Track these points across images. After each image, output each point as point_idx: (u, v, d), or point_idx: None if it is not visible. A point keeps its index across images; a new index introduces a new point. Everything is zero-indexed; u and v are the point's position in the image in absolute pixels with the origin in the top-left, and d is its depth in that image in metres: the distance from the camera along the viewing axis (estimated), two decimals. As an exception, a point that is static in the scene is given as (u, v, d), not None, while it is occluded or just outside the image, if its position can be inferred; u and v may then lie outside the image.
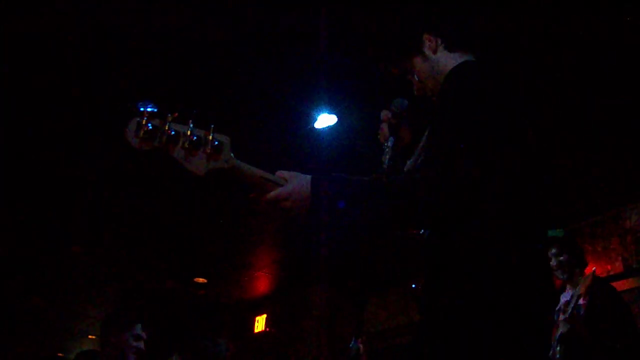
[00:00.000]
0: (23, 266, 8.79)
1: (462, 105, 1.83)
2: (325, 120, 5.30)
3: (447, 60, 2.14)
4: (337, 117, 5.26)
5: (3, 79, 4.90)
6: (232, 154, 1.84)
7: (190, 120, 1.79)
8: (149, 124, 1.72)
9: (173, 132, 1.76)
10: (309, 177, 1.86)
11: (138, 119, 1.72)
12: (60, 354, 12.63)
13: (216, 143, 1.80)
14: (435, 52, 2.17)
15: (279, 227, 7.53)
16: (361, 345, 5.54)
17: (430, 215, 1.78)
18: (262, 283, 9.70)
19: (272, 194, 1.85)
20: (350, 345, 5.56)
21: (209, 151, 1.78)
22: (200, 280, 9.52)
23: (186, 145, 1.76)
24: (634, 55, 4.36)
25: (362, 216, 1.83)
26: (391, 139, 2.43)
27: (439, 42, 2.18)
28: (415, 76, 2.21)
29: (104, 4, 4.23)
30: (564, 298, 4.29)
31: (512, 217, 1.77)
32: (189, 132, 1.77)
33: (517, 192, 1.81)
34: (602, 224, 6.70)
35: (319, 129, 5.40)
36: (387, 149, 2.43)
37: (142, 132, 1.71)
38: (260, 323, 10.17)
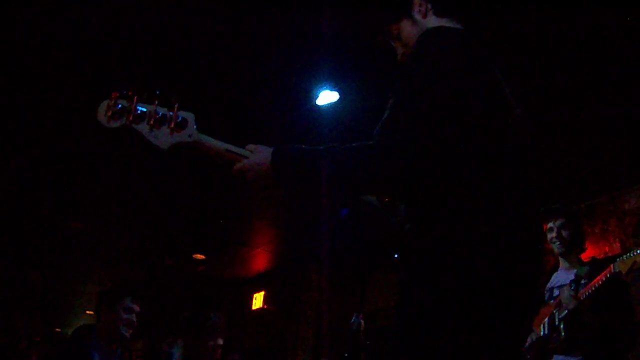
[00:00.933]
0: (22, 241, 8.82)
1: (413, 71, 1.81)
2: (327, 97, 5.29)
3: (436, 25, 2.07)
4: (339, 94, 5.25)
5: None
6: (196, 129, 1.98)
7: (155, 100, 1.95)
8: (118, 105, 1.91)
9: (139, 111, 1.92)
10: (271, 149, 1.90)
11: (108, 101, 1.92)
12: (58, 329, 12.69)
13: (179, 119, 1.95)
14: (424, 16, 2.13)
15: (270, 202, 7.55)
16: (362, 321, 5.59)
17: (375, 181, 1.79)
18: (260, 260, 9.73)
19: (237, 165, 1.93)
20: (352, 321, 5.61)
21: (172, 126, 1.94)
22: (199, 256, 9.55)
23: (151, 122, 1.92)
24: (632, 38, 4.35)
25: (319, 183, 1.84)
26: None
27: (429, 6, 2.14)
28: (402, 40, 2.16)
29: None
30: (558, 277, 4.26)
31: (463, 193, 1.72)
32: (153, 110, 1.93)
33: (466, 165, 1.74)
34: (601, 205, 6.73)
35: (320, 106, 5.39)
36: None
37: (110, 112, 1.90)
38: (258, 300, 10.20)
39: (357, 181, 1.81)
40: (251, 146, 1.96)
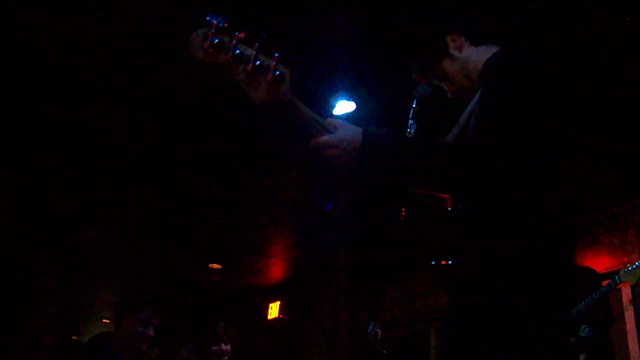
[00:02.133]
0: (38, 248, 8.85)
1: (507, 87, 1.82)
2: (343, 107, 5.29)
3: (477, 55, 2.13)
4: (356, 104, 5.25)
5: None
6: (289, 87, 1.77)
7: (256, 44, 1.70)
8: (216, 38, 1.63)
9: (238, 52, 1.66)
10: (359, 128, 1.82)
11: (205, 31, 1.64)
12: (74, 337, 12.72)
13: (277, 73, 1.71)
14: (461, 50, 2.17)
15: (293, 216, 7.56)
16: (379, 330, 5.57)
17: (464, 182, 1.80)
18: (276, 270, 9.71)
19: (322, 139, 1.81)
20: (369, 330, 5.59)
21: (269, 79, 1.70)
22: (215, 266, 9.55)
23: (249, 68, 1.67)
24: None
25: (405, 172, 1.84)
26: (413, 125, 2.42)
27: (463, 40, 2.18)
28: (449, 79, 2.20)
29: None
30: None
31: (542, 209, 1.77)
32: (253, 56, 1.68)
33: (549, 182, 1.80)
34: (619, 216, 6.66)
35: (337, 116, 5.38)
36: (409, 135, 2.42)
37: (208, 45, 1.62)
38: (273, 310, 10.18)
39: (446, 178, 1.82)
40: (332, 121, 1.85)
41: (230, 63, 1.65)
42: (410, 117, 2.38)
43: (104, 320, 12.74)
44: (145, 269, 9.69)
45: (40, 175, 6.74)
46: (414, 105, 2.37)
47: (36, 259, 9.19)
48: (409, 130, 2.41)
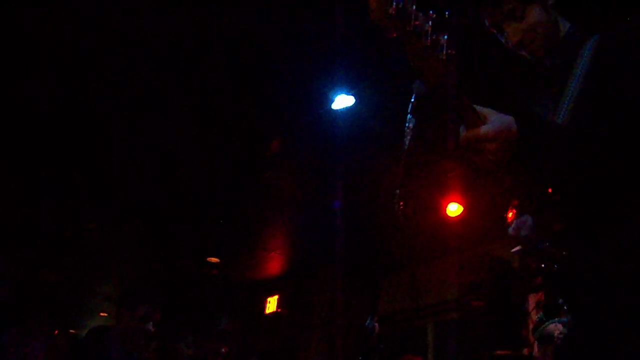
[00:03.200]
0: (37, 240, 8.85)
1: None
2: (342, 101, 5.29)
3: (563, 22, 1.99)
4: (355, 98, 5.25)
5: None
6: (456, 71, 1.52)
7: (433, 15, 1.46)
8: (400, 2, 1.40)
9: (418, 22, 1.44)
10: (510, 116, 1.63)
11: None
12: (72, 331, 12.72)
13: (449, 52, 1.49)
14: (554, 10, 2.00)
15: (293, 211, 7.55)
16: (376, 324, 5.58)
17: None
18: (274, 264, 9.72)
19: (479, 131, 1.60)
20: (366, 324, 5.60)
21: (444, 58, 1.48)
22: (213, 259, 9.56)
23: (427, 43, 1.45)
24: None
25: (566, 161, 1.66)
26: (412, 120, 2.40)
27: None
28: (524, 24, 1.96)
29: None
30: None
31: None
32: (430, 29, 1.46)
33: None
34: None
35: (336, 110, 5.39)
36: (407, 130, 2.41)
37: (393, 8, 1.39)
38: (271, 304, 10.20)
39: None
40: (479, 109, 1.63)
41: (410, 34, 1.42)
42: (409, 111, 2.34)
43: (101, 314, 12.75)
44: (144, 262, 9.70)
45: (44, 169, 6.74)
46: (412, 100, 2.34)
47: (37, 250, 9.19)
48: (407, 125, 2.39)
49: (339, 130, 5.51)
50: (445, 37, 1.48)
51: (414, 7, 1.41)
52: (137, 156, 6.40)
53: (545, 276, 1.86)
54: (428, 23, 1.45)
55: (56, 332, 7.27)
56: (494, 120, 1.61)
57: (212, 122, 5.79)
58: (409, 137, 2.40)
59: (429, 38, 1.44)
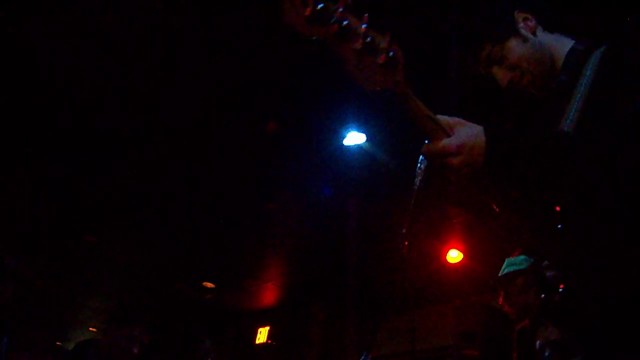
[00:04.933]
0: (34, 251, 8.81)
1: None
2: (354, 138, 5.29)
3: (556, 42, 1.89)
4: (366, 135, 5.26)
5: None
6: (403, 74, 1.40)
7: (366, 15, 1.31)
8: (320, 3, 1.24)
9: (346, 23, 1.28)
10: (480, 127, 1.51)
11: None
12: (58, 343, 12.62)
13: (391, 54, 1.34)
14: (534, 32, 1.90)
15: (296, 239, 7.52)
16: (370, 360, 5.53)
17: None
18: (269, 294, 9.67)
19: (440, 144, 1.48)
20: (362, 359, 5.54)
21: (382, 62, 1.33)
22: (209, 285, 9.51)
23: (358, 46, 1.30)
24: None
25: (540, 173, 1.54)
26: (424, 161, 2.37)
27: (534, 22, 1.91)
28: (508, 62, 1.88)
29: None
30: None
31: None
32: (363, 30, 1.31)
33: None
34: None
35: (348, 146, 5.38)
36: (419, 171, 2.38)
37: (309, 11, 1.24)
38: (262, 334, 10.11)
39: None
40: (446, 119, 1.50)
41: (336, 37, 1.28)
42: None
43: (90, 329, 12.64)
44: (139, 281, 9.64)
45: (40, 179, 6.73)
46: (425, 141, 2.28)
47: (31, 259, 9.15)
48: (419, 165, 2.36)
49: (348, 168, 5.51)
50: (387, 39, 1.35)
51: (342, 8, 1.27)
52: (140, 175, 6.39)
53: (544, 307, 1.76)
54: (361, 25, 1.31)
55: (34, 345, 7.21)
56: (460, 131, 1.50)
57: (219, 146, 5.80)
58: (419, 179, 2.38)
59: (360, 39, 1.29)
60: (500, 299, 3.97)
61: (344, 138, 5.30)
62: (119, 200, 7.00)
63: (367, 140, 5.29)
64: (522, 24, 1.90)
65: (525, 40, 1.87)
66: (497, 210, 1.79)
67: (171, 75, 4.92)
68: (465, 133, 1.49)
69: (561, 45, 1.87)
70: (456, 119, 1.52)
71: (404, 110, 1.45)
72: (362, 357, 5.57)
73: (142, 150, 5.94)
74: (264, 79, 4.86)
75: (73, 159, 6.18)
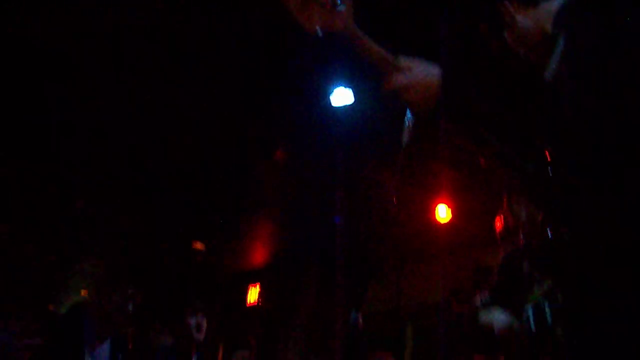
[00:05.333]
0: (23, 214, 8.79)
1: None
2: (341, 95, 5.25)
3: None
4: (354, 93, 5.22)
5: None
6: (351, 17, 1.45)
7: None
8: None
9: None
10: (436, 66, 1.54)
11: None
12: (50, 307, 12.64)
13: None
14: None
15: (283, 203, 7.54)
16: (360, 319, 5.60)
17: None
18: (258, 255, 9.71)
19: (395, 81, 1.53)
20: (351, 318, 5.62)
21: (328, 6, 1.41)
22: (199, 246, 9.53)
23: None
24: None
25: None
26: (412, 118, 2.34)
27: None
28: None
29: None
30: None
31: None
32: None
33: None
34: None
35: (335, 107, 5.34)
36: (406, 128, 2.35)
37: None
38: (252, 294, 10.17)
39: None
40: (404, 59, 1.53)
41: None
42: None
43: (82, 292, 12.67)
44: (129, 243, 9.65)
45: (37, 147, 6.68)
46: None
47: (20, 224, 9.14)
48: (406, 122, 2.34)
49: (337, 127, 5.49)
50: None
51: None
52: (132, 135, 6.35)
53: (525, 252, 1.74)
54: None
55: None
56: (416, 69, 1.53)
57: (207, 104, 5.76)
58: (407, 135, 2.36)
59: None
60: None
61: (331, 95, 5.27)
62: (107, 162, 6.97)
63: (354, 98, 5.26)
64: None
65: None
66: (484, 165, 1.79)
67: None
68: (420, 70, 1.53)
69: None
70: (417, 60, 1.54)
71: (359, 52, 1.48)
72: (352, 315, 5.64)
73: (130, 103, 5.89)
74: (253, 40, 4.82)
75: (60, 116, 6.13)
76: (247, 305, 10.22)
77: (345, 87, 5.18)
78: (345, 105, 5.30)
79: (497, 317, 3.44)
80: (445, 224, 6.68)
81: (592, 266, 1.51)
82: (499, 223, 3.93)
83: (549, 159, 1.61)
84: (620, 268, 1.45)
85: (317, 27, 1.41)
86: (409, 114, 2.22)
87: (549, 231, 1.66)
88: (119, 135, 6.35)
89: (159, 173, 7.14)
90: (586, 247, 1.50)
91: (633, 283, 1.41)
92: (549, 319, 2.12)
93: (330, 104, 5.33)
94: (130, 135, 6.29)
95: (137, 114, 5.96)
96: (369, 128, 5.35)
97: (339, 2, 1.41)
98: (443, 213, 6.67)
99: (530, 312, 2.73)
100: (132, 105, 5.86)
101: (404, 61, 1.54)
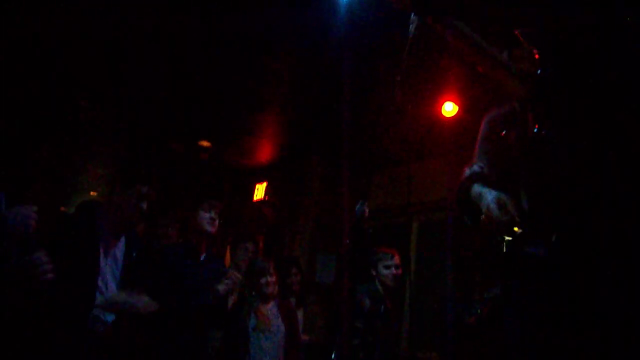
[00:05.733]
0: (28, 114, 8.77)
1: None
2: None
3: None
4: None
5: None
6: None
7: None
8: None
9: None
10: None
11: None
12: (62, 208, 12.81)
13: None
14: None
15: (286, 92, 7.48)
16: (366, 208, 5.68)
17: None
18: (265, 151, 9.72)
19: None
20: (357, 208, 5.69)
21: None
22: (205, 143, 9.55)
23: None
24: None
25: None
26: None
27: None
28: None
29: None
30: None
31: None
32: None
33: None
34: None
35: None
36: (413, 17, 2.32)
37: None
38: (260, 191, 10.26)
39: None
40: None
41: None
42: None
43: (92, 193, 12.82)
44: (133, 142, 9.67)
45: (33, 39, 6.58)
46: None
47: (26, 124, 9.12)
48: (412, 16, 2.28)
49: (340, 13, 5.35)
50: None
51: None
52: (136, 34, 6.25)
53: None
54: None
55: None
56: None
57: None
58: (414, 25, 2.32)
59: None
60: None
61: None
62: (110, 61, 6.90)
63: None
64: None
65: None
66: (481, 71, 1.80)
67: None
68: None
69: None
70: None
71: None
72: (358, 206, 5.71)
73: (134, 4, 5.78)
74: None
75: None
76: (254, 202, 10.32)
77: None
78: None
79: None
80: (451, 118, 6.65)
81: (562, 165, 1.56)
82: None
83: (536, 58, 1.64)
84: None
85: None
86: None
87: (534, 128, 1.69)
88: (121, 31, 6.24)
89: (163, 70, 7.07)
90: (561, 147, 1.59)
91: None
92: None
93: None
94: (134, 29, 6.17)
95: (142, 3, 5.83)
96: (376, 20, 5.22)
97: None
98: (449, 107, 6.63)
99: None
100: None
101: None
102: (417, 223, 8.43)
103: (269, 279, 5.21)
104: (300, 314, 6.28)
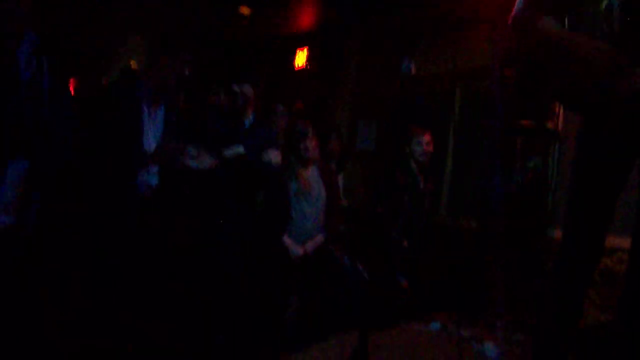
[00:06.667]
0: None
1: None
2: None
3: None
4: None
5: None
6: None
7: None
8: None
9: None
10: None
11: None
12: (104, 80, 12.93)
13: None
14: None
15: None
16: (413, 66, 5.62)
17: None
18: (306, 17, 9.53)
19: None
20: (403, 67, 5.63)
21: None
22: (245, 10, 9.37)
23: None
24: None
25: None
26: None
27: None
28: None
29: None
30: None
31: None
32: None
33: None
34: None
35: None
36: None
37: None
38: (300, 58, 10.10)
39: None
40: None
41: None
42: None
43: (131, 62, 12.84)
44: (172, 12, 9.54)
45: None
46: None
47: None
48: None
49: None
50: None
51: None
52: None
53: None
54: None
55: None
56: None
57: None
58: None
59: None
60: None
61: None
62: None
63: None
64: None
65: None
66: None
67: None
68: None
69: None
70: None
71: None
72: (404, 65, 5.61)
73: None
74: None
75: None
76: (296, 69, 10.21)
77: None
78: None
79: None
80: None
81: None
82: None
83: None
84: None
85: None
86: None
87: None
88: None
89: None
90: None
91: None
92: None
93: None
94: None
95: None
96: None
97: None
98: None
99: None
100: None
101: None
102: (460, 89, 8.28)
103: (309, 143, 5.16)
104: (339, 180, 6.34)
